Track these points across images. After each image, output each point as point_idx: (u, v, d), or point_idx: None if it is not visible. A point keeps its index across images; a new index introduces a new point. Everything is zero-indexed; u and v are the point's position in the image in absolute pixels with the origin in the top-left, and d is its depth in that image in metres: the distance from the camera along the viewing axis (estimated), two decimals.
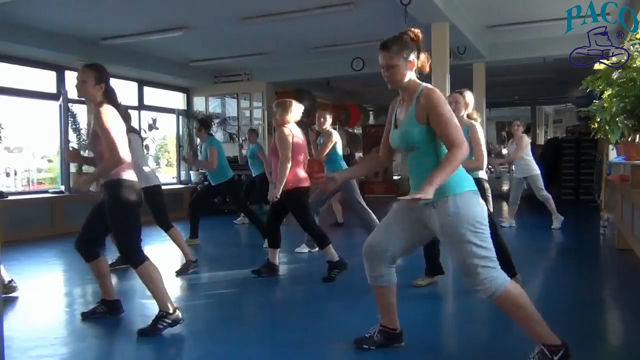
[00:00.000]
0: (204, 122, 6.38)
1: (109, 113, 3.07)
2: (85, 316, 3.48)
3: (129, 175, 3.16)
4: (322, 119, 5.36)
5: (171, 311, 3.13)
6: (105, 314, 3.47)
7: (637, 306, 3.62)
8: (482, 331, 3.22)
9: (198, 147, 6.51)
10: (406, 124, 2.49)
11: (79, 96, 3.23)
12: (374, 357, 2.70)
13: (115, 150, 3.01)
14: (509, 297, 2.38)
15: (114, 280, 4.59)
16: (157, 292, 3.13)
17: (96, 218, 3.27)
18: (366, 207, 5.34)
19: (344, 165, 5.49)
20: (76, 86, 3.17)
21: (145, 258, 3.15)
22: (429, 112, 2.40)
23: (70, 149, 7.04)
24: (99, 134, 3.06)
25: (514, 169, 7.50)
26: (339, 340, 2.89)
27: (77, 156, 3.85)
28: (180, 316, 3.17)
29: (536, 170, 6.89)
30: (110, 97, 3.19)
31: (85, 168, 7.31)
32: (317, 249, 5.47)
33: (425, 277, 4.05)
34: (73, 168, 7.85)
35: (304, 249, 5.70)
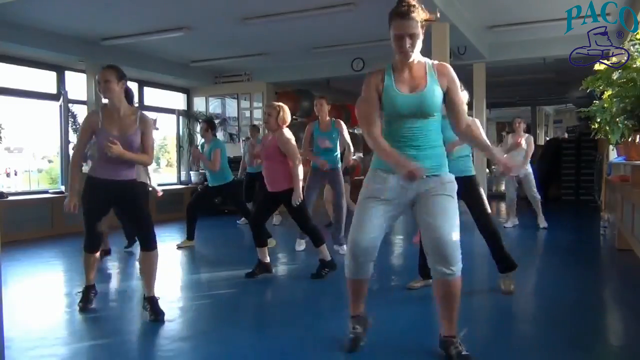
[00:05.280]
0: (211, 123, 6.32)
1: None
2: (84, 308, 3.58)
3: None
4: (318, 105, 5.35)
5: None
6: (95, 295, 3.74)
7: (637, 306, 3.62)
8: (478, 332, 3.22)
9: (198, 147, 6.44)
10: (429, 88, 2.43)
11: (104, 97, 3.34)
12: (371, 359, 2.70)
13: (153, 153, 3.47)
14: (460, 281, 2.48)
15: (114, 279, 4.59)
16: (155, 276, 3.45)
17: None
18: (344, 212, 5.38)
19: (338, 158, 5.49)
20: (100, 89, 3.29)
21: None
22: (450, 81, 2.47)
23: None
24: (131, 137, 3.30)
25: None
26: (340, 340, 2.88)
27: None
28: None
29: (529, 169, 6.91)
30: (128, 94, 3.43)
31: (85, 169, 7.28)
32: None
33: (420, 279, 4.03)
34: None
35: (302, 245, 5.69)
